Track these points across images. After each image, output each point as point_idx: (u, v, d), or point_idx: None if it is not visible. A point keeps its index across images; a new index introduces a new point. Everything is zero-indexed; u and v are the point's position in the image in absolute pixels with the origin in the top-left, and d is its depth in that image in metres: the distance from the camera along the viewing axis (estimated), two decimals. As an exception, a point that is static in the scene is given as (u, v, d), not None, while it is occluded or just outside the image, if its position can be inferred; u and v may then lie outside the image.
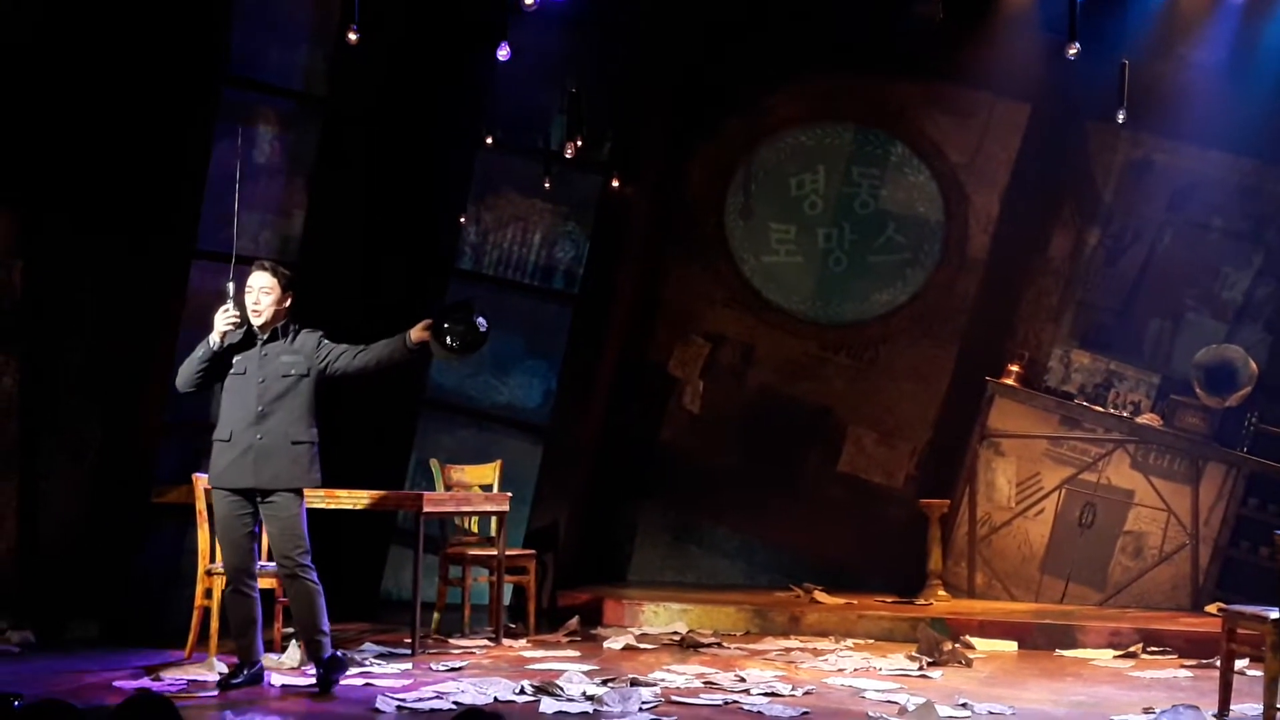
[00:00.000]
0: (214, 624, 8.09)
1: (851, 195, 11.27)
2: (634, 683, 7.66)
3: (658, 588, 10.85)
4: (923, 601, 10.33)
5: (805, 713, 7.12)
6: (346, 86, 10.03)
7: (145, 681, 7.54)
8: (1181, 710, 6.91)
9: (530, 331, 11.06)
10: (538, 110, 10.82)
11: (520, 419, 11.03)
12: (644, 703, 7.18)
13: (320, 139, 10.07)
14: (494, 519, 9.46)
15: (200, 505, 8.26)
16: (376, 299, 10.23)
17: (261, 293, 7.44)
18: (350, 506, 8.66)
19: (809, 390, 11.25)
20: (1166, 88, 10.40)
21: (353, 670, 7.91)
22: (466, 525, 9.83)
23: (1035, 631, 9.61)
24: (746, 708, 7.23)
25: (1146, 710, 7.23)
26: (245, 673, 7.44)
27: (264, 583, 8.27)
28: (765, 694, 7.56)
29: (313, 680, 7.52)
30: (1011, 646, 9.45)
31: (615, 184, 10.73)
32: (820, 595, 10.43)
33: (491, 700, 7.27)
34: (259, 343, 7.46)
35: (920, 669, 8.47)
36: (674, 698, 7.41)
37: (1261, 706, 6.88)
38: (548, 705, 7.10)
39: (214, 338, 7.40)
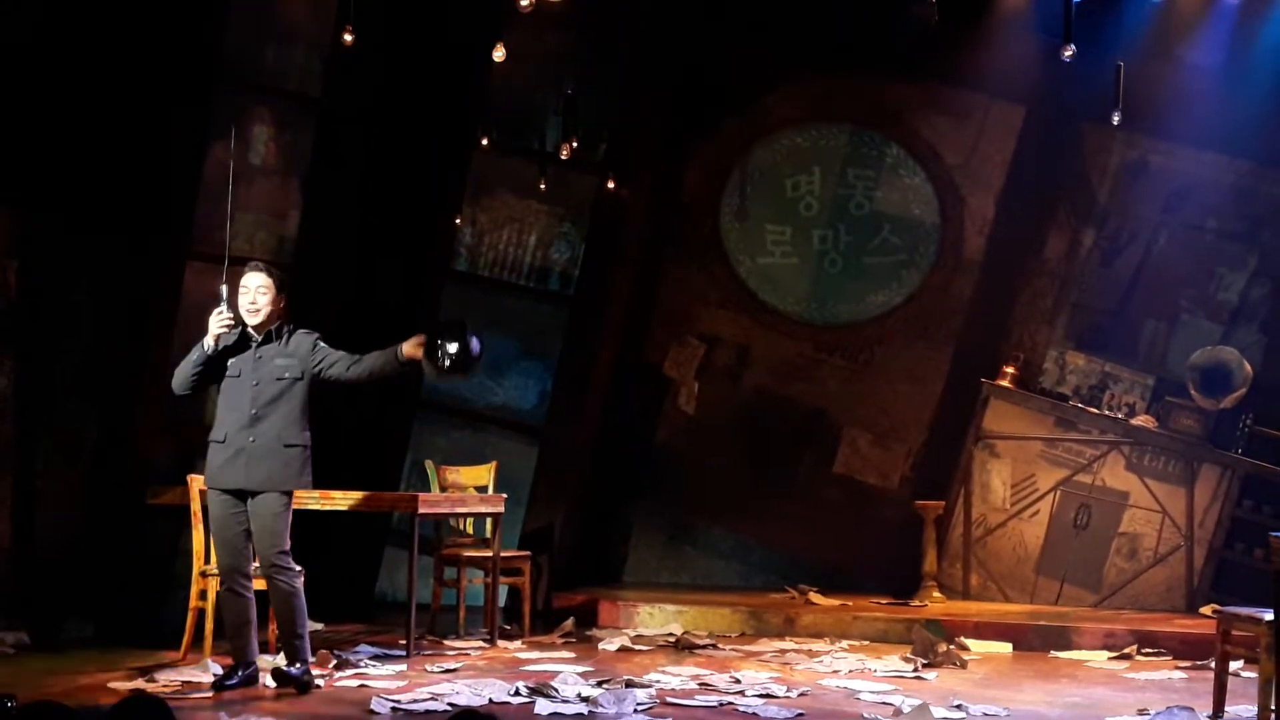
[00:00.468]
0: (209, 625, 8.09)
1: (847, 197, 11.27)
2: (629, 684, 7.66)
3: (653, 589, 10.85)
4: (918, 603, 10.34)
5: (800, 714, 7.12)
6: (342, 87, 10.03)
7: (140, 683, 7.53)
8: (1176, 712, 6.92)
9: (525, 333, 11.06)
10: (533, 111, 10.82)
11: (515, 420, 11.03)
12: (639, 704, 7.18)
13: (315, 140, 10.06)
14: (489, 520, 9.46)
15: (195, 506, 8.25)
16: (371, 300, 10.23)
17: (258, 292, 7.45)
18: (345, 508, 8.65)
19: (804, 392, 11.25)
20: (1162, 90, 10.41)
21: (347, 671, 7.90)
22: (462, 527, 9.83)
23: (1030, 633, 9.61)
24: (741, 709, 7.23)
25: (1141, 711, 7.23)
26: (239, 674, 7.44)
27: (258, 584, 8.28)
28: (760, 695, 7.56)
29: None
30: (1006, 648, 9.45)
31: (610, 185, 10.73)
32: (815, 597, 10.43)
33: (486, 702, 7.27)
34: (253, 345, 7.47)
35: (915, 670, 8.47)
36: (669, 699, 7.40)
37: (1256, 708, 6.88)
38: (542, 707, 7.10)
39: (208, 341, 7.41)
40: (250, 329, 7.48)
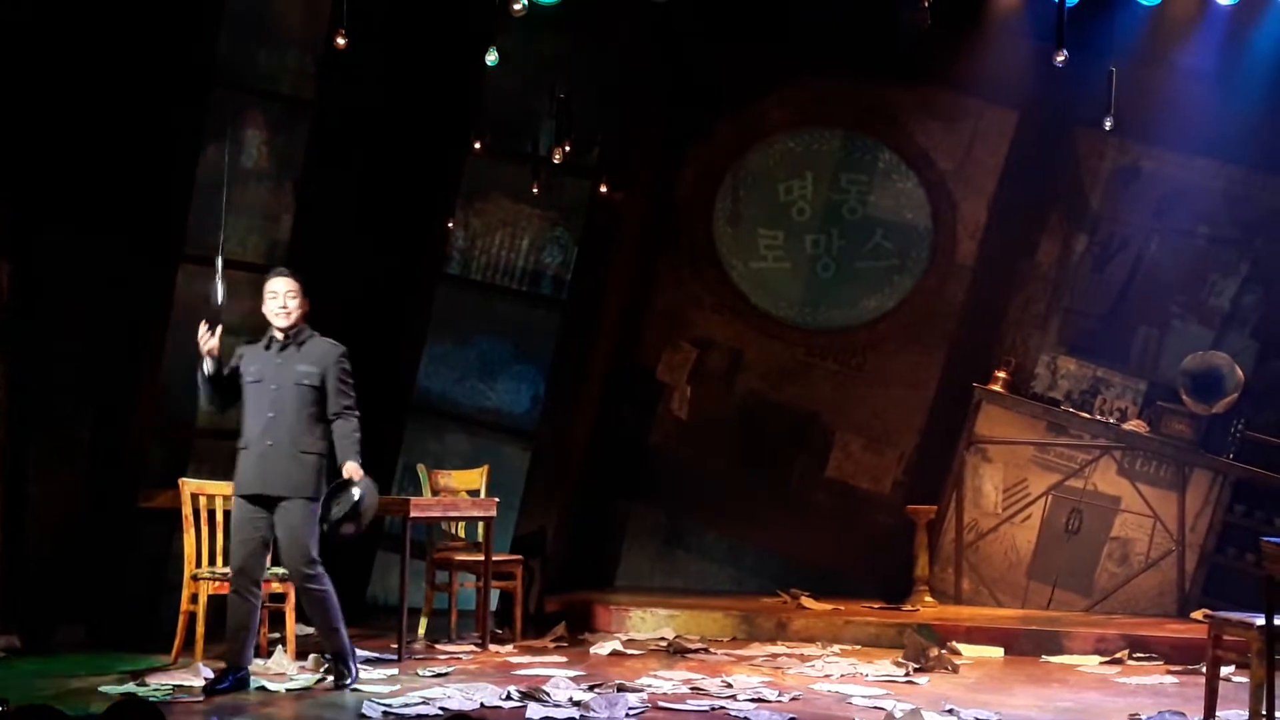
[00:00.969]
0: (200, 629, 8.08)
1: (840, 201, 11.28)
2: (620, 688, 7.66)
3: (645, 593, 10.85)
4: (909, 607, 10.34)
5: (792, 718, 7.12)
6: (335, 90, 10.03)
7: (131, 686, 7.53)
8: (1167, 716, 6.94)
9: (518, 337, 11.06)
10: (526, 115, 10.82)
11: (508, 424, 11.03)
12: (630, 708, 7.18)
13: (309, 143, 10.06)
14: (481, 524, 9.46)
15: (187, 510, 8.25)
16: (364, 303, 10.22)
17: (288, 296, 7.58)
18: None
19: (797, 396, 11.26)
20: (1154, 95, 10.42)
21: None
22: (454, 530, 9.83)
23: (1021, 637, 9.62)
24: (733, 713, 7.23)
25: (1132, 716, 7.24)
26: (231, 678, 7.44)
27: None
28: (752, 700, 7.57)
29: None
30: (998, 652, 9.46)
31: (604, 189, 10.73)
32: (807, 601, 10.44)
33: (478, 706, 7.27)
34: (275, 349, 7.50)
35: (907, 675, 8.48)
36: (661, 703, 7.41)
37: (1247, 713, 6.89)
38: (534, 711, 7.09)
39: (206, 366, 7.48)
40: (274, 333, 7.56)
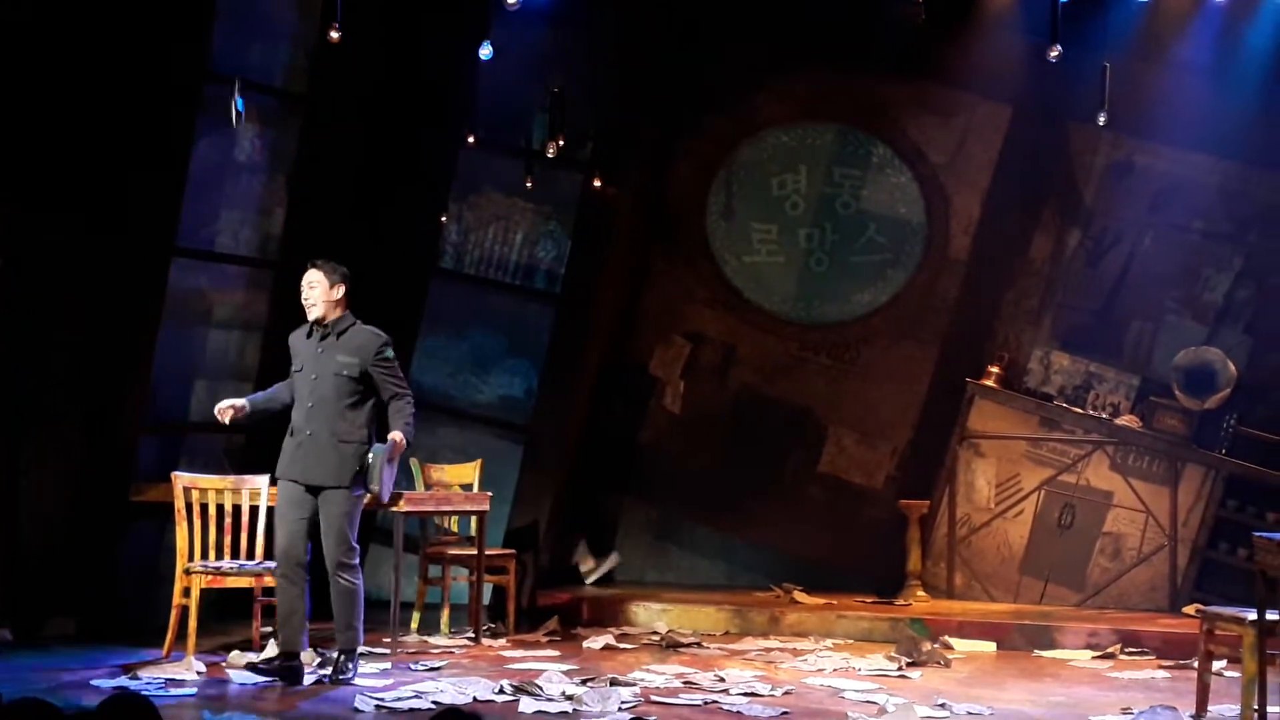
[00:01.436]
0: (192, 623, 8.07)
1: (833, 196, 11.27)
2: (613, 682, 7.66)
3: (638, 587, 10.85)
4: (902, 602, 10.35)
5: (784, 713, 7.13)
6: (328, 84, 10.01)
7: (123, 680, 7.52)
8: (1159, 711, 6.94)
9: (511, 331, 11.05)
10: (520, 109, 10.81)
11: (501, 418, 11.02)
12: (623, 702, 7.19)
13: (301, 136, 10.05)
14: (474, 518, 9.45)
15: (179, 504, 8.25)
16: (357, 298, 10.18)
17: (308, 287, 7.71)
18: (330, 505, 8.62)
19: (790, 391, 11.25)
20: (1148, 90, 10.42)
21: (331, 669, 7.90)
22: (447, 524, 9.82)
23: (1014, 632, 9.63)
24: (726, 708, 7.23)
25: (1124, 711, 7.26)
26: (279, 662, 7.58)
27: (242, 581, 8.29)
28: (744, 694, 7.57)
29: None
30: (990, 647, 9.47)
31: (597, 183, 10.72)
32: (800, 595, 10.44)
33: (471, 700, 7.27)
34: (316, 338, 7.61)
35: (899, 669, 8.49)
36: (653, 697, 7.41)
37: (1239, 707, 6.90)
38: (527, 705, 7.10)
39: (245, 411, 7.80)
40: (313, 324, 7.70)
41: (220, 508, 8.35)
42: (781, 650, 9.14)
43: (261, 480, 8.47)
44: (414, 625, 9.43)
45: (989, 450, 10.84)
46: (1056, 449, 10.74)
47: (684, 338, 11.35)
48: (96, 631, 8.81)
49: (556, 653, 8.81)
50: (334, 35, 8.48)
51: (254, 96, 9.86)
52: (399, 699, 7.19)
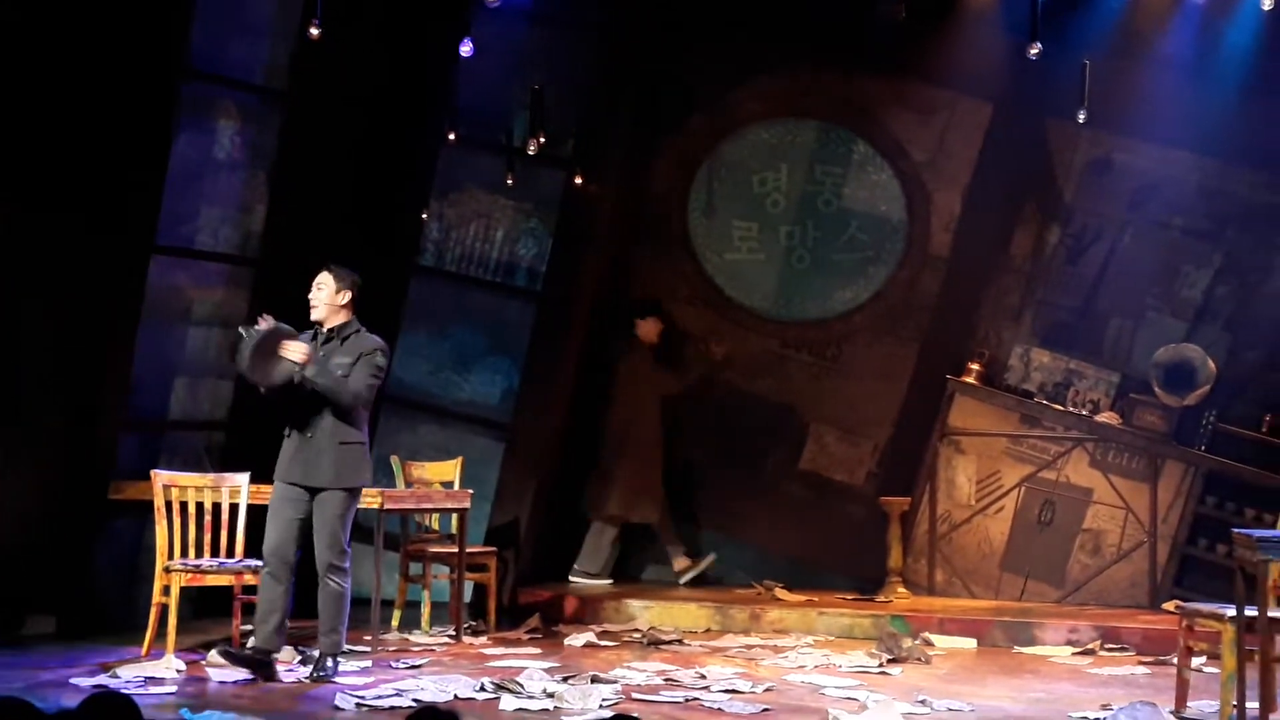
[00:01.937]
0: (172, 621, 8.04)
1: (814, 193, 11.27)
2: (594, 680, 7.66)
3: (619, 584, 10.84)
4: (883, 599, 10.36)
5: (765, 709, 7.13)
6: (308, 81, 9.98)
7: (103, 678, 7.50)
8: (1139, 707, 6.95)
9: (493, 328, 11.04)
10: (501, 106, 10.79)
11: (482, 416, 11.00)
12: (604, 700, 7.19)
13: (282, 133, 10.02)
14: (455, 516, 9.44)
15: (159, 502, 8.22)
16: (338, 295, 10.17)
17: (316, 287, 7.73)
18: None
19: (771, 388, 11.25)
20: (1127, 87, 10.43)
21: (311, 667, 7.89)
22: (427, 522, 9.81)
23: (994, 628, 9.65)
24: (707, 705, 7.24)
25: (1104, 707, 7.27)
26: (251, 653, 7.54)
27: (222, 579, 8.27)
28: (726, 691, 7.58)
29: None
30: (971, 643, 9.49)
31: (578, 181, 10.70)
32: (781, 592, 10.44)
33: (452, 697, 7.26)
34: (320, 341, 7.67)
35: (880, 666, 8.50)
36: (634, 695, 7.41)
37: (1218, 703, 6.92)
38: (508, 702, 7.10)
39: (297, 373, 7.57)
40: (315, 327, 7.72)
41: (200, 506, 8.33)
42: (763, 647, 9.14)
43: (242, 478, 8.45)
44: (395, 623, 9.41)
45: (970, 447, 10.85)
46: (1037, 446, 10.76)
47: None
48: (76, 630, 8.77)
49: (538, 650, 8.81)
50: (314, 32, 8.45)
51: (234, 93, 9.85)
52: (380, 697, 7.18)
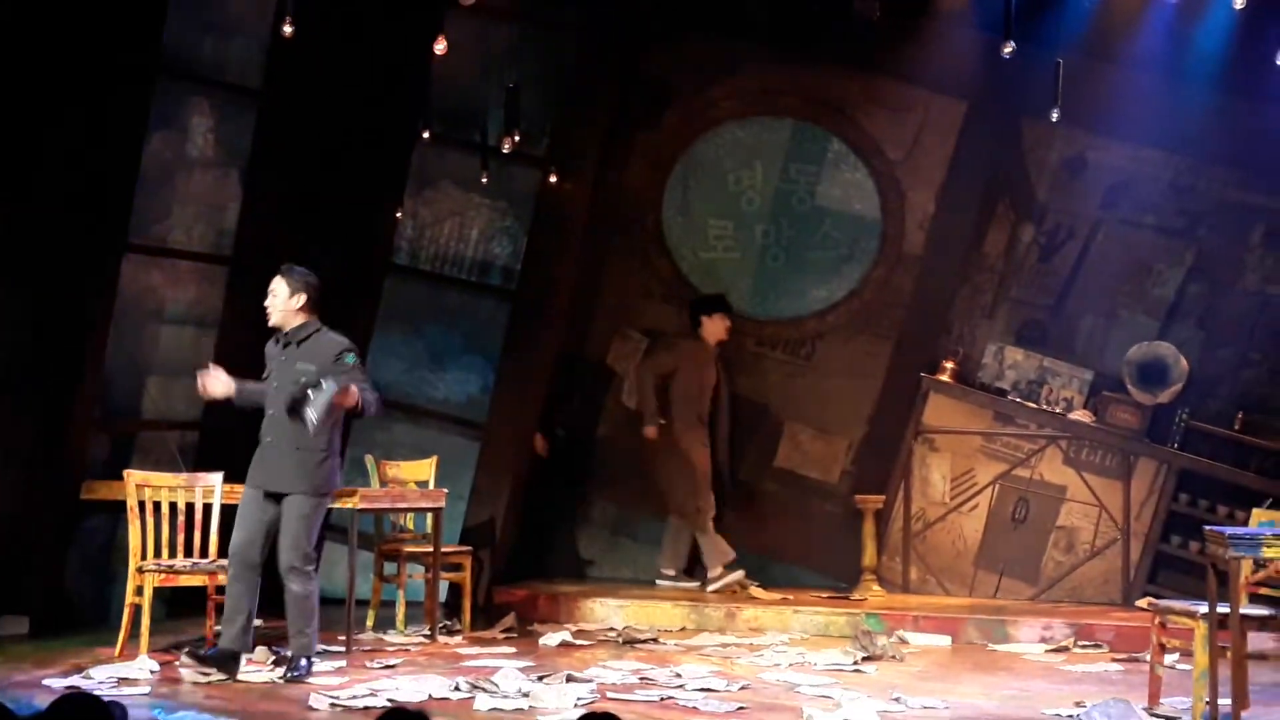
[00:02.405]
0: (145, 621, 8.02)
1: (789, 191, 11.28)
2: (569, 679, 7.65)
3: (594, 583, 10.85)
4: (858, 596, 10.37)
5: (741, 708, 7.13)
6: (282, 79, 9.96)
7: (75, 679, 7.47)
8: (1112, 703, 6.98)
9: (467, 327, 11.02)
10: (475, 104, 10.78)
11: (457, 415, 10.99)
12: (579, 699, 7.18)
13: (255, 131, 9.99)
14: (430, 515, 9.42)
15: (132, 502, 8.19)
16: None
17: (270, 293, 7.69)
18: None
19: (746, 386, 11.25)
20: (1100, 86, 10.47)
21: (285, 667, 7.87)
22: (402, 522, 9.79)
23: (968, 626, 9.67)
24: (682, 703, 7.24)
25: (1078, 704, 7.29)
26: (217, 651, 7.54)
27: (196, 580, 8.24)
28: (701, 689, 7.58)
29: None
30: (945, 641, 9.51)
31: (553, 179, 10.70)
32: (756, 591, 10.45)
33: (426, 697, 7.25)
34: (280, 346, 7.66)
35: (855, 664, 8.51)
36: (610, 694, 7.41)
37: (1191, 700, 6.95)
38: (482, 702, 7.08)
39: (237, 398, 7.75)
40: (276, 332, 7.70)
41: (173, 506, 8.30)
42: (738, 646, 9.15)
43: (215, 478, 8.43)
44: (369, 623, 9.40)
45: (944, 445, 10.88)
46: (1010, 443, 10.79)
47: (641, 333, 11.34)
48: (48, 630, 8.74)
49: (513, 649, 8.80)
50: (288, 30, 8.43)
51: (208, 91, 9.81)
52: (354, 697, 7.16)
